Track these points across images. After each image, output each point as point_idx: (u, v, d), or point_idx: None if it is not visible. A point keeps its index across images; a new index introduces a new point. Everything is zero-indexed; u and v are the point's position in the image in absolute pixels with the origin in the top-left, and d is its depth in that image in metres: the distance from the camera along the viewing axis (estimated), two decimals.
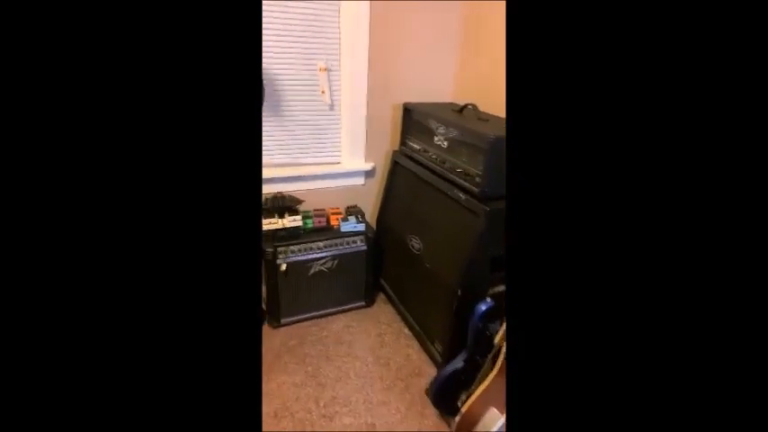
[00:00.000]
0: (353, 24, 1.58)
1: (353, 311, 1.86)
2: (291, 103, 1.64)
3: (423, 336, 1.65)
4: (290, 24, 1.52)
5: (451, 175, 1.43)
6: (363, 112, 1.75)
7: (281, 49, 1.54)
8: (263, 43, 1.47)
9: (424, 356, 1.63)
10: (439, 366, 1.53)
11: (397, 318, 1.84)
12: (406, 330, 1.76)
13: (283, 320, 1.73)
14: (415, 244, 1.62)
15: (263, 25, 1.47)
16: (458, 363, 1.27)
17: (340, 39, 1.61)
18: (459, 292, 1.36)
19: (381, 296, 1.97)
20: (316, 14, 1.54)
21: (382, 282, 1.95)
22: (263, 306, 1.76)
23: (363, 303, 1.87)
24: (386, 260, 1.89)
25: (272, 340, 1.67)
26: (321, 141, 1.77)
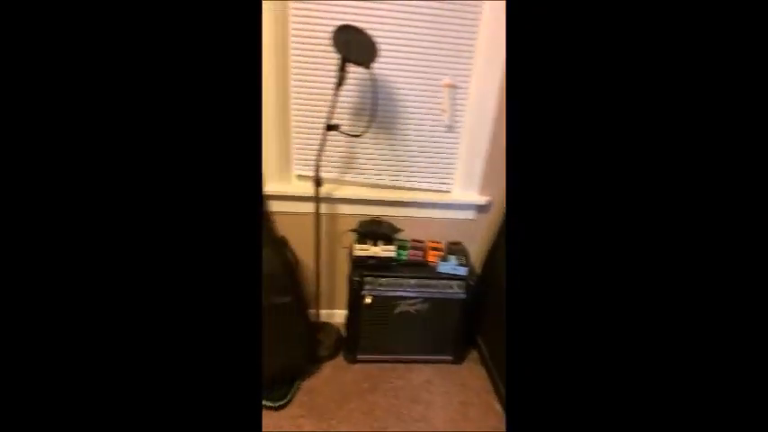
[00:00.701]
0: (494, 30, 1.33)
1: (438, 365, 1.60)
2: (405, 119, 1.47)
3: None
4: (417, 29, 1.34)
5: None
6: (487, 137, 1.49)
7: (403, 57, 1.38)
8: (383, 50, 1.32)
9: None
10: None
11: (489, 387, 1.52)
12: (498, 407, 1.43)
13: (360, 356, 1.57)
14: None
15: (385, 30, 1.33)
16: None
17: (475, 49, 1.38)
18: None
19: (473, 355, 1.67)
20: (450, 17, 1.33)
21: (477, 339, 1.65)
22: (342, 333, 1.62)
23: (451, 359, 1.60)
24: (485, 315, 1.59)
25: (345, 376, 1.51)
26: (432, 166, 1.56)
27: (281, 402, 1.35)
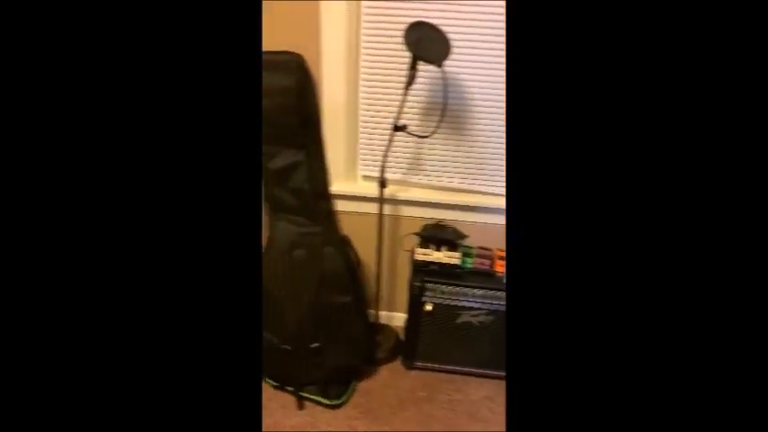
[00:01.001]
0: None
1: (500, 382, 1.50)
2: (476, 119, 1.39)
3: None
4: (493, 23, 1.25)
5: None
6: None
7: (477, 55, 1.30)
8: (456, 47, 1.25)
9: None
10: None
11: None
12: None
13: (418, 363, 1.52)
14: None
15: (453, 27, 1.26)
16: None
17: None
18: None
19: None
20: None
21: None
22: (401, 337, 1.59)
23: None
24: None
25: (402, 382, 1.48)
26: (504, 169, 1.46)
27: (337, 402, 1.35)
